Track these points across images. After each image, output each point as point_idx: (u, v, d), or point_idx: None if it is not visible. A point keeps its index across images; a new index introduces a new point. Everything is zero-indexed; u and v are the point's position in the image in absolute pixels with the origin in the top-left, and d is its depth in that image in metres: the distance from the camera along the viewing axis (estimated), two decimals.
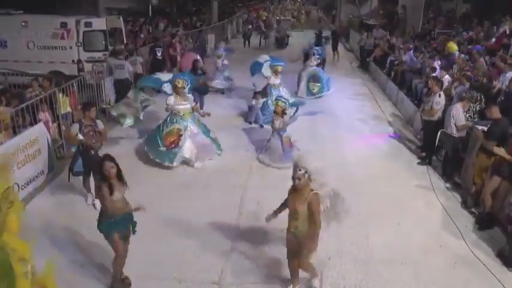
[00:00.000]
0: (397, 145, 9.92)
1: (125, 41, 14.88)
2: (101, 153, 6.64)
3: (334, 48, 20.38)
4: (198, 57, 13.19)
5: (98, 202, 6.55)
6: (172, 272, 5.36)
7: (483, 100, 8.38)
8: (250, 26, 27.88)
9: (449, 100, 9.05)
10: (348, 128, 10.90)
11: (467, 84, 9.34)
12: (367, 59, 18.39)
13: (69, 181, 7.02)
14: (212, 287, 5.16)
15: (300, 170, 4.44)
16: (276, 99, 8.95)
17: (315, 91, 13.72)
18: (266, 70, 11.51)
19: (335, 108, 12.54)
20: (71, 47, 13.17)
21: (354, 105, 13.07)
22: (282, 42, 24.90)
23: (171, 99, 8.37)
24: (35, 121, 7.93)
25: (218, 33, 24.86)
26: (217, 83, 13.75)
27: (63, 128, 8.71)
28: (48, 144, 7.71)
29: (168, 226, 6.30)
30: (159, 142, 8.30)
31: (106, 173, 4.60)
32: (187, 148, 8.30)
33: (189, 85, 8.54)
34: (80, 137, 6.56)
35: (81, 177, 6.95)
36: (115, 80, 11.42)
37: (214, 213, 6.69)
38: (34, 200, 7.08)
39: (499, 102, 8.12)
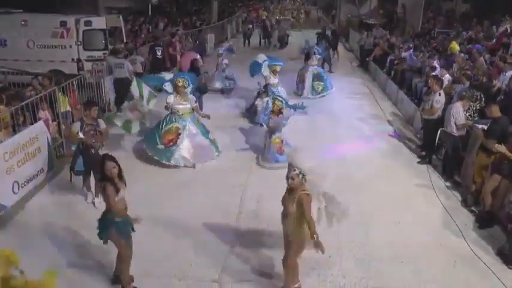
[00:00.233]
0: (397, 144, 9.92)
1: (125, 40, 14.88)
2: (101, 152, 6.67)
3: (334, 48, 20.39)
4: (198, 56, 13.18)
5: (97, 200, 6.57)
6: (172, 270, 5.36)
7: (483, 99, 8.39)
8: (250, 26, 27.89)
9: (449, 99, 9.05)
10: (348, 127, 10.90)
11: (467, 83, 9.34)
12: (367, 59, 18.39)
13: (71, 181, 7.02)
14: (212, 285, 5.16)
15: (294, 170, 4.44)
16: (273, 98, 8.92)
17: (319, 90, 13.74)
18: (265, 70, 11.51)
19: (335, 108, 12.54)
20: (70, 46, 13.16)
21: (353, 105, 13.07)
22: (282, 42, 24.93)
23: (171, 98, 8.36)
24: (35, 120, 7.93)
25: (218, 32, 24.85)
26: (217, 83, 13.74)
27: (63, 126, 8.70)
28: (48, 143, 7.70)
29: (168, 225, 6.29)
30: (158, 140, 8.29)
31: (108, 173, 4.58)
32: (185, 147, 8.29)
33: (190, 85, 8.52)
34: (81, 135, 6.56)
35: (81, 176, 6.95)
36: (115, 79, 11.42)
37: (214, 212, 6.69)
38: (34, 198, 7.08)
39: (499, 101, 8.12)
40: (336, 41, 20.17)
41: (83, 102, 8.72)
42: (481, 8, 22.50)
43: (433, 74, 10.29)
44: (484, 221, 6.52)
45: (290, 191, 4.60)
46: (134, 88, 8.35)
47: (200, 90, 10.63)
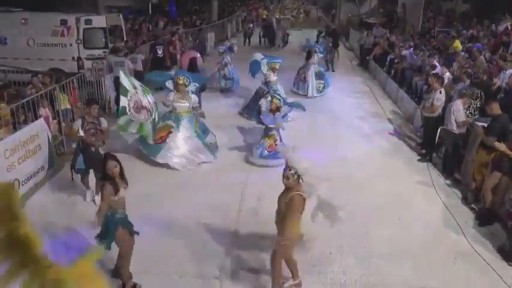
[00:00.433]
0: (397, 142, 9.93)
1: (125, 39, 14.88)
2: (102, 151, 6.68)
3: (334, 47, 20.40)
4: (198, 55, 13.20)
5: (97, 198, 6.56)
6: (172, 267, 5.36)
7: (483, 97, 8.40)
8: (251, 25, 27.87)
9: (449, 99, 9.06)
10: (348, 126, 10.90)
11: (468, 81, 9.35)
12: (367, 57, 18.40)
13: (72, 179, 7.02)
14: (213, 282, 5.16)
15: (290, 170, 4.46)
16: (271, 96, 8.90)
17: (320, 89, 13.77)
18: (264, 67, 11.52)
19: (335, 107, 12.56)
20: (71, 45, 13.16)
21: (354, 103, 13.08)
22: (282, 41, 24.97)
23: (172, 95, 8.36)
24: (35, 117, 7.92)
25: (218, 31, 24.85)
26: (214, 82, 13.72)
27: (63, 124, 8.70)
28: (49, 140, 7.70)
29: (168, 223, 6.28)
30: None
31: (110, 172, 4.55)
32: (175, 147, 8.17)
33: (190, 83, 8.50)
34: (81, 133, 6.56)
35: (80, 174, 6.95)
36: (115, 77, 11.38)
37: (214, 210, 6.68)
38: (34, 195, 7.08)
39: (499, 99, 8.14)
40: (336, 40, 20.20)
41: (84, 100, 8.70)
42: (481, 8, 22.53)
43: (434, 72, 10.29)
44: (484, 218, 6.53)
45: (286, 190, 4.62)
46: (124, 81, 7.81)
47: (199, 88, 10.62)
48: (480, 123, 7.41)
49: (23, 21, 13.17)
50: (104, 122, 6.94)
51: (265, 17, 31.40)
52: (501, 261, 5.61)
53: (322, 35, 21.53)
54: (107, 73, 11.58)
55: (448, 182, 7.88)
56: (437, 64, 11.64)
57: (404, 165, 8.64)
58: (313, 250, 5.59)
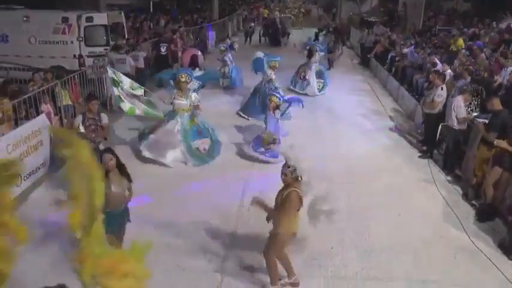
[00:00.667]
0: (398, 139, 9.95)
1: (126, 36, 14.88)
2: (103, 146, 6.68)
3: (340, 43, 20.42)
4: (199, 53, 13.22)
5: None
6: (175, 262, 5.38)
7: (484, 93, 8.41)
8: (252, 24, 27.88)
9: (450, 96, 9.07)
10: (349, 123, 10.92)
11: (469, 78, 9.37)
12: (368, 55, 18.42)
13: None
14: (215, 275, 5.19)
15: (288, 167, 4.50)
16: (269, 95, 8.89)
17: (320, 87, 13.78)
18: (265, 65, 11.54)
19: (336, 105, 12.56)
20: (72, 42, 13.14)
21: (355, 101, 13.09)
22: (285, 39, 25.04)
23: (173, 92, 8.39)
24: (37, 113, 7.94)
25: (219, 30, 24.86)
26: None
27: (65, 120, 8.72)
28: (51, 136, 7.72)
29: (170, 217, 6.31)
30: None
31: (105, 165, 4.48)
32: (154, 139, 8.17)
33: (192, 81, 8.51)
34: (82, 129, 6.57)
35: None
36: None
37: (216, 204, 6.71)
38: (36, 191, 7.09)
39: (500, 96, 8.14)
40: (342, 36, 20.21)
41: (85, 96, 8.71)
42: (481, 7, 22.53)
43: (435, 69, 10.31)
44: (485, 214, 6.54)
45: (284, 187, 4.65)
46: (112, 75, 8.29)
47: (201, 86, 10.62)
48: (481, 120, 7.42)
49: (24, 18, 13.17)
50: (105, 118, 6.94)
51: (266, 16, 31.37)
52: (501, 255, 5.64)
53: (323, 33, 21.53)
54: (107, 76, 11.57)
55: (448, 178, 7.90)
56: (438, 62, 11.65)
57: (405, 161, 8.66)
58: (315, 244, 5.62)
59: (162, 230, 5.91)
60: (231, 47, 14.27)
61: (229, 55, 13.92)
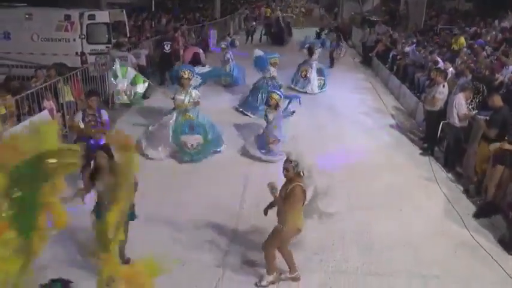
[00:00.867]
0: (400, 137, 9.97)
1: (128, 34, 14.90)
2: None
3: (344, 40, 20.44)
4: (201, 51, 13.22)
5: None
6: (176, 256, 5.37)
7: (485, 91, 8.42)
8: (253, 23, 27.89)
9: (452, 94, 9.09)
10: (351, 121, 10.93)
11: (470, 76, 9.38)
12: (370, 54, 18.42)
13: None
14: (216, 270, 5.21)
15: (290, 162, 4.53)
16: (269, 92, 8.89)
17: (321, 85, 13.80)
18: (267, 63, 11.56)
19: (338, 103, 12.56)
20: (74, 40, 13.18)
21: (356, 100, 13.10)
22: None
23: (176, 88, 8.42)
24: (40, 110, 7.97)
25: (221, 29, 24.88)
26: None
27: (68, 116, 8.75)
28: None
29: (172, 212, 6.34)
30: None
31: (98, 162, 4.56)
32: (149, 132, 8.54)
33: (194, 77, 8.54)
34: (81, 125, 6.60)
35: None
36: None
37: (217, 200, 6.73)
38: None
39: (501, 94, 8.15)
40: (344, 34, 20.23)
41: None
42: (483, 7, 22.50)
43: (436, 67, 10.32)
44: (485, 211, 6.55)
45: (287, 182, 4.67)
46: (117, 68, 8.77)
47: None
48: (481, 117, 7.43)
49: (27, 16, 13.20)
50: (105, 114, 6.93)
51: (268, 15, 31.36)
52: (502, 251, 5.67)
53: (325, 32, 21.55)
54: (110, 68, 11.60)
55: (449, 175, 7.91)
56: (439, 60, 11.66)
57: (406, 159, 8.68)
58: (316, 240, 5.65)
59: (164, 226, 5.94)
60: (232, 44, 14.28)
61: (230, 53, 13.93)
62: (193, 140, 8.28)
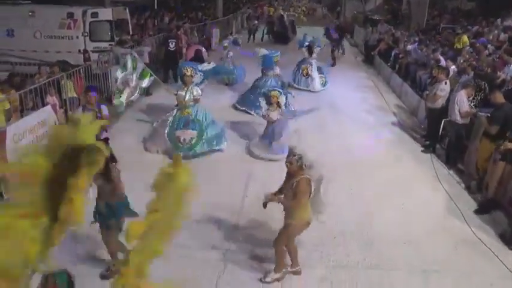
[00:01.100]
0: (401, 134, 9.99)
1: (131, 32, 14.94)
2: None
3: (340, 39, 20.42)
4: (204, 49, 13.24)
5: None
6: (178, 251, 5.39)
7: (487, 89, 8.42)
8: (256, 22, 27.92)
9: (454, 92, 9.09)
10: (353, 119, 10.93)
11: (472, 74, 9.39)
12: (372, 53, 18.43)
13: None
14: (218, 264, 5.24)
15: (294, 155, 4.54)
16: (268, 90, 8.90)
17: (323, 83, 13.82)
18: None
19: (340, 101, 12.57)
20: (77, 37, 13.23)
21: (359, 97, 13.12)
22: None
23: (180, 85, 8.47)
24: (43, 105, 8.01)
25: (223, 28, 24.92)
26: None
27: (70, 112, 8.79)
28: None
29: None
30: None
31: None
32: (153, 128, 8.78)
33: (197, 74, 8.57)
34: None
35: None
36: None
37: (219, 196, 6.70)
38: None
39: (503, 92, 8.15)
40: (341, 36, 20.24)
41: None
42: (486, 7, 22.46)
43: (438, 64, 10.32)
44: (486, 207, 6.57)
45: (290, 176, 4.69)
46: (129, 60, 8.94)
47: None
48: (483, 114, 7.45)
49: (30, 13, 13.25)
50: (105, 110, 6.96)
51: (271, 14, 31.39)
52: (503, 246, 5.69)
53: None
54: (113, 65, 11.66)
55: (451, 172, 7.93)
56: (441, 58, 11.66)
57: (408, 156, 8.70)
58: (317, 234, 5.64)
59: None
60: (235, 42, 14.30)
61: (231, 52, 13.95)
62: (186, 134, 8.23)
